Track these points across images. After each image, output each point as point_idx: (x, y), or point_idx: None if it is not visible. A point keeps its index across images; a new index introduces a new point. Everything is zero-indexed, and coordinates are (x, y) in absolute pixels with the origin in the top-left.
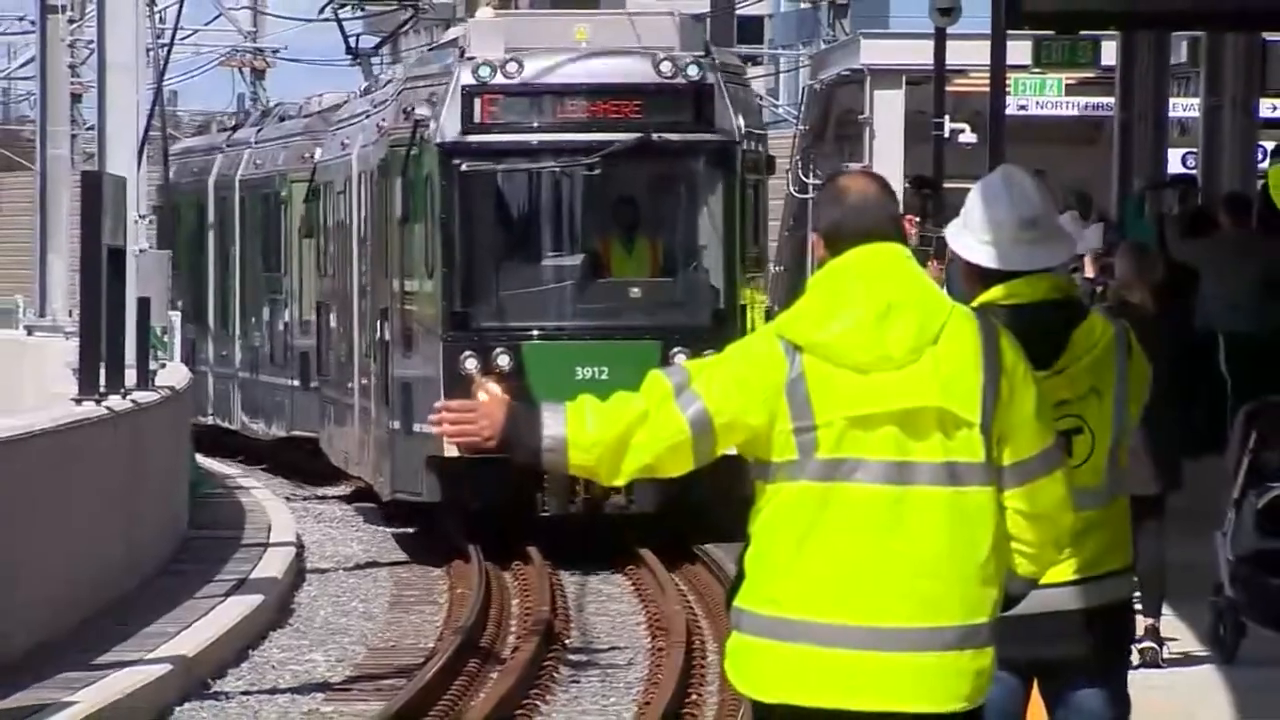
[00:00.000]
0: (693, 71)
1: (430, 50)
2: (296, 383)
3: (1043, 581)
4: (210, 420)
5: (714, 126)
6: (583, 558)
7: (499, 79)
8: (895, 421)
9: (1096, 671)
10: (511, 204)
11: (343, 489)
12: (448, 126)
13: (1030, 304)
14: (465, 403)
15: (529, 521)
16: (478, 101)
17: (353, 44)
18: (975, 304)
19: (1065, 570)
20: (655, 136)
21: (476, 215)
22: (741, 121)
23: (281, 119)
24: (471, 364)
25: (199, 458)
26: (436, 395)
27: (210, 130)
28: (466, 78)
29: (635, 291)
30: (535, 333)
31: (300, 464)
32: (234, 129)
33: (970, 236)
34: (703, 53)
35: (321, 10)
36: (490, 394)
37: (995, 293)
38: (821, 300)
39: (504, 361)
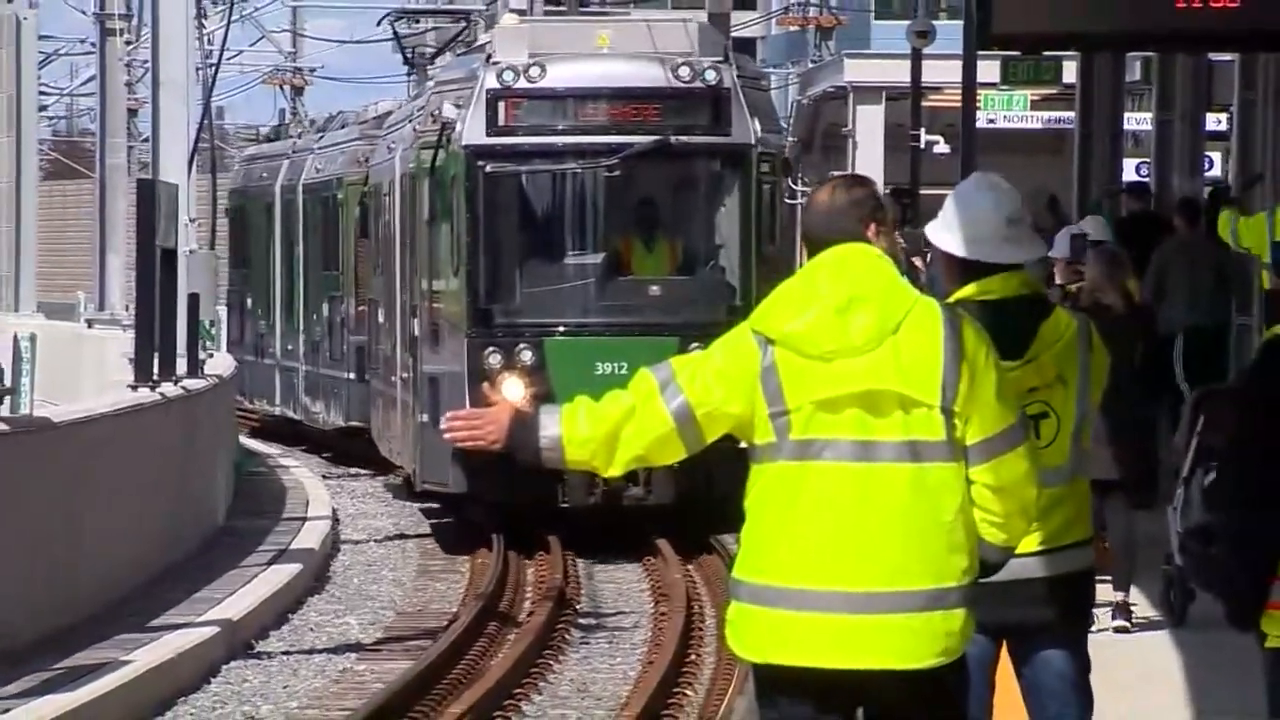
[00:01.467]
0: (710, 76)
1: (459, 55)
2: (352, 375)
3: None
4: (278, 411)
5: (730, 130)
6: (602, 548)
7: (522, 83)
8: (858, 404)
9: (1060, 633)
10: (534, 204)
11: (393, 478)
12: (473, 129)
13: (1003, 299)
14: (473, 411)
15: (550, 513)
16: (501, 105)
17: (408, 54)
18: (953, 298)
19: (1032, 541)
20: (673, 139)
21: (500, 215)
22: (757, 125)
23: (342, 126)
24: (495, 360)
25: (262, 444)
26: (462, 390)
27: (279, 137)
28: (491, 82)
29: (654, 289)
30: (557, 329)
31: (360, 453)
32: (299, 136)
33: (954, 234)
34: (721, 58)
35: (380, 22)
36: (497, 399)
37: (971, 289)
38: (790, 296)
39: (527, 357)
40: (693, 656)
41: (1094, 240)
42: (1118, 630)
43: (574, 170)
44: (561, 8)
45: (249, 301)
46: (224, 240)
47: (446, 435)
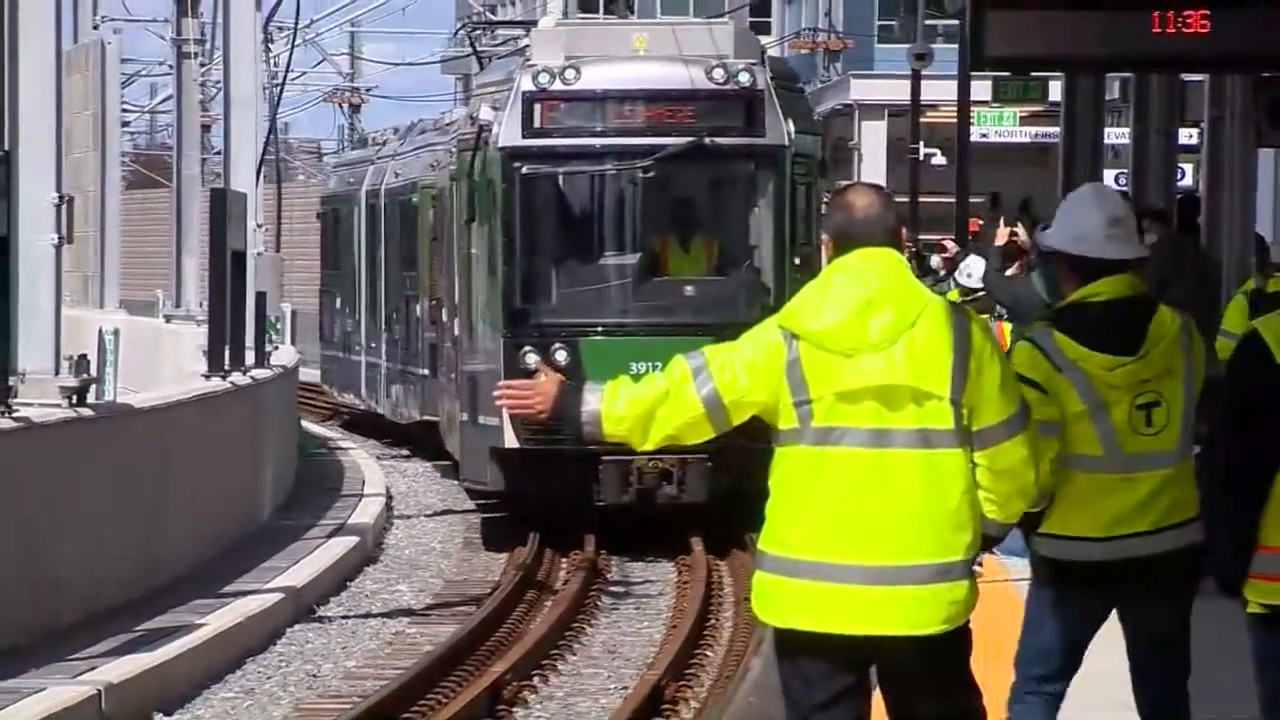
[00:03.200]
0: (744, 78)
1: (499, 59)
2: (426, 371)
3: (1126, 531)
4: (363, 405)
5: (764, 131)
6: (635, 546)
7: (557, 85)
8: (874, 396)
9: (1168, 604)
10: (569, 205)
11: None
12: (509, 131)
13: (1118, 298)
14: (524, 381)
15: (585, 511)
16: (537, 107)
17: (483, 64)
18: (1069, 300)
19: (1144, 520)
20: (707, 140)
21: (536, 216)
22: (791, 126)
23: (420, 133)
24: (531, 359)
25: (343, 433)
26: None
27: (366, 144)
28: (527, 84)
29: (688, 289)
30: (591, 329)
31: (437, 445)
32: (384, 143)
33: (1064, 234)
34: (755, 60)
35: (455, 33)
36: (547, 373)
37: (1087, 290)
38: (815, 296)
39: (562, 357)
40: (712, 621)
41: None
42: None
43: (609, 171)
44: (595, 16)
45: (338, 301)
46: (313, 243)
47: (498, 402)
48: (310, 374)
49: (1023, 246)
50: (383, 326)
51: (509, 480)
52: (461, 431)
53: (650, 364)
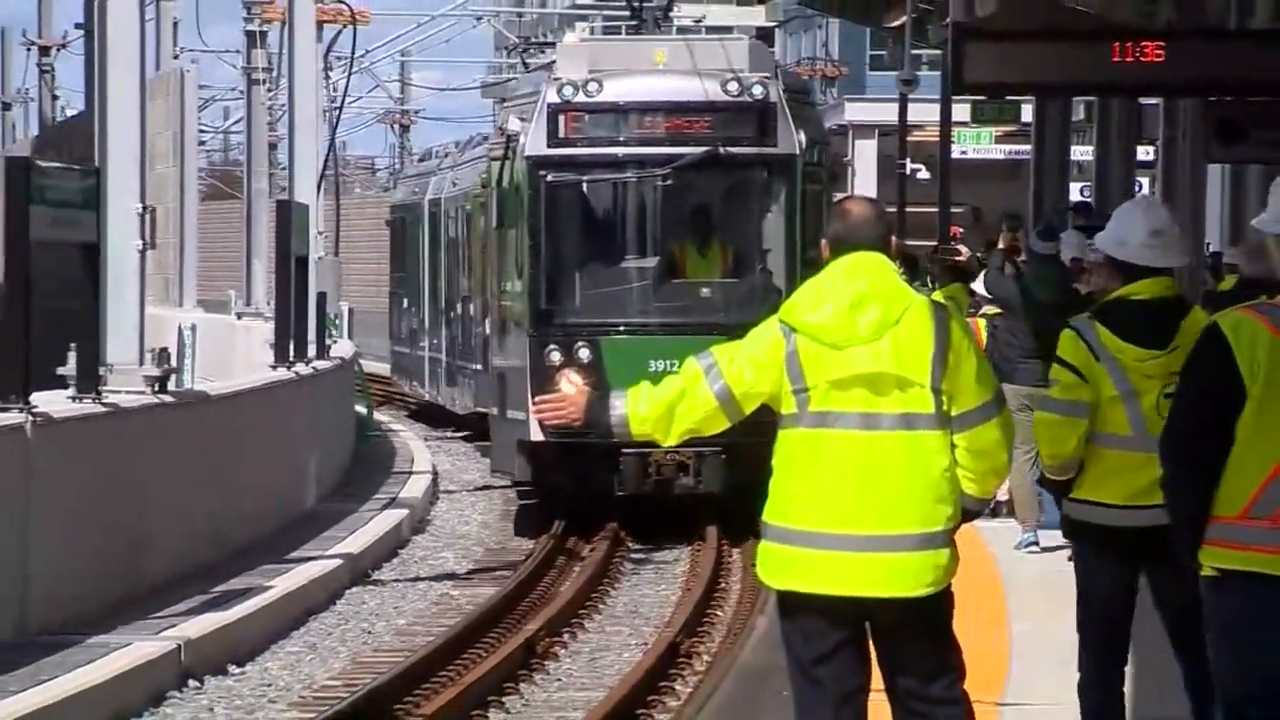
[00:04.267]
0: (757, 91)
1: (529, 73)
2: (479, 366)
3: (1146, 502)
4: (427, 396)
5: (776, 141)
6: (653, 534)
7: (580, 97)
8: (863, 383)
9: (1189, 574)
10: (591, 211)
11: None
12: (535, 141)
13: (1154, 298)
14: (559, 395)
15: (606, 501)
16: (561, 118)
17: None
18: (1116, 295)
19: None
20: (721, 150)
21: (560, 221)
22: (803, 137)
23: (476, 146)
24: (555, 357)
25: (409, 422)
26: (524, 384)
27: (431, 157)
28: (552, 96)
29: (704, 291)
30: (613, 329)
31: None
32: (445, 156)
33: (1111, 240)
34: (769, 74)
35: (509, 52)
36: (575, 385)
37: (1128, 289)
38: (812, 293)
39: (584, 355)
40: (722, 585)
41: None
42: None
43: (629, 179)
44: (618, 35)
45: (405, 301)
46: (368, 248)
47: (537, 415)
48: (380, 367)
49: (1018, 249)
50: (442, 324)
51: (535, 472)
52: (492, 425)
53: (668, 362)
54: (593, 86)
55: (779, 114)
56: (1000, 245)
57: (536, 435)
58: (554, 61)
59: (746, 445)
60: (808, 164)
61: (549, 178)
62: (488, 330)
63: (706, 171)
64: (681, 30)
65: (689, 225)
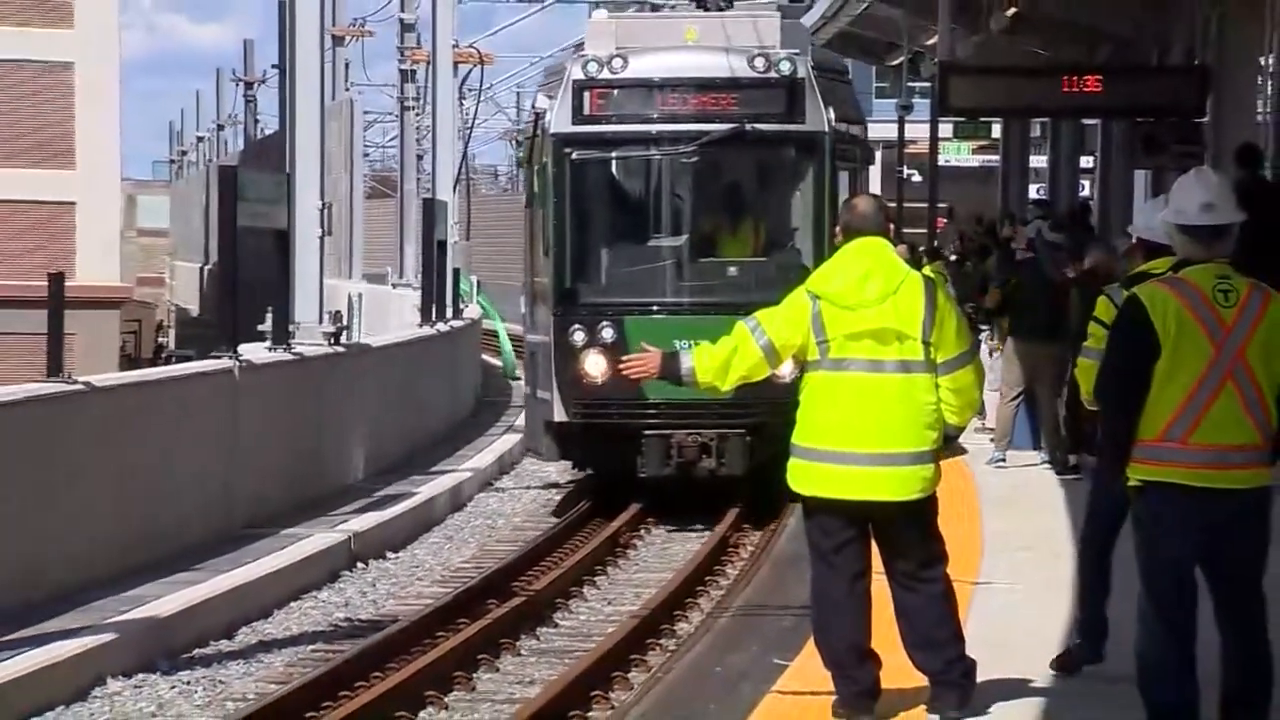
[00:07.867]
0: (784, 67)
1: (560, 52)
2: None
3: None
4: None
5: (803, 118)
6: (673, 515)
7: (605, 74)
8: (871, 336)
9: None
10: (616, 189)
11: None
12: (560, 118)
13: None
14: (639, 355)
15: (630, 481)
16: (586, 95)
17: None
18: (1146, 267)
19: None
20: (748, 127)
21: (585, 199)
22: (832, 113)
23: None
24: (579, 336)
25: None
26: (549, 362)
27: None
28: (577, 73)
29: (730, 270)
30: (637, 308)
31: None
32: None
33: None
34: (799, 50)
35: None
36: (648, 349)
37: (1149, 265)
38: (831, 268)
39: (608, 334)
40: (734, 539)
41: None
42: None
43: (654, 156)
44: (645, 12)
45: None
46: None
47: (624, 371)
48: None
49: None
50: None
51: (562, 452)
52: (525, 403)
53: (691, 342)
54: (618, 63)
55: (807, 91)
56: (1016, 240)
57: (560, 416)
58: (583, 39)
59: (770, 425)
60: (839, 142)
61: (573, 155)
62: (522, 309)
63: (732, 149)
64: (707, 8)
65: (714, 204)
